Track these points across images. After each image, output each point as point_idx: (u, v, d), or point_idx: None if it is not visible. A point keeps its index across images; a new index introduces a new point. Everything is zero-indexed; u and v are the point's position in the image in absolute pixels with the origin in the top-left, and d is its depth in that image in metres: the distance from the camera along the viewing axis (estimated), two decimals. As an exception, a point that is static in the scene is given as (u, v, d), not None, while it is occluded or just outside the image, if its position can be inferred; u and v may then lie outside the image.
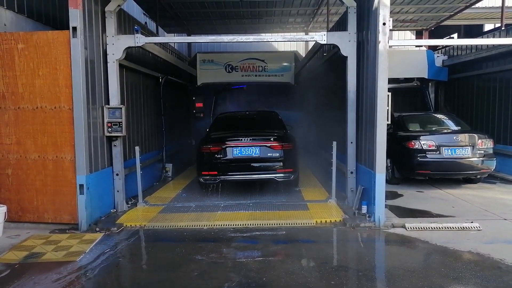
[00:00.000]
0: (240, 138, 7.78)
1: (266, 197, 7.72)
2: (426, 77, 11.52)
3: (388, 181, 7.75)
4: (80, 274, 4.52)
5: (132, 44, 6.74)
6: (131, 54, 7.43)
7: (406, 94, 12.25)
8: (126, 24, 7.76)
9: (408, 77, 11.72)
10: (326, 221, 6.24)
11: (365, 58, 6.59)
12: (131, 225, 6.23)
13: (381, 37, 5.82)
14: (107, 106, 6.68)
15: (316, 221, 6.22)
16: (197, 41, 13.96)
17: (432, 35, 15.30)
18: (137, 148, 7.18)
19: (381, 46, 5.83)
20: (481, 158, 8.27)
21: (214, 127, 8.91)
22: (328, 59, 9.12)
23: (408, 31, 16.19)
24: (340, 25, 8.06)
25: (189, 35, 15.11)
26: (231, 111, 10.90)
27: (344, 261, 5.13)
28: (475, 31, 17.60)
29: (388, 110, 5.95)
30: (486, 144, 8.35)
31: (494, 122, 9.91)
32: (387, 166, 7.37)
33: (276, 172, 7.68)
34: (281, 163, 7.69)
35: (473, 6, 12.29)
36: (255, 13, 12.78)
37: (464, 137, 8.37)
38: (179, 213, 6.83)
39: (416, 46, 14.33)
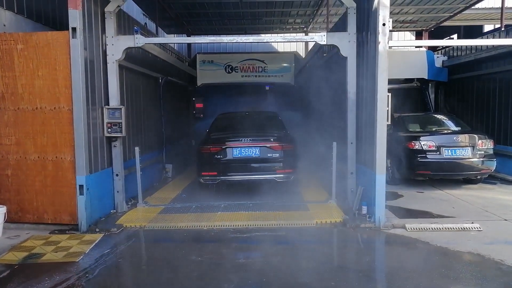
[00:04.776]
0: (240, 139, 7.78)
1: (266, 197, 7.71)
2: (426, 78, 11.51)
3: (388, 182, 7.73)
4: (80, 275, 4.51)
5: (131, 44, 6.73)
6: (130, 54, 7.42)
7: (406, 94, 12.24)
8: (126, 24, 7.75)
9: (408, 77, 11.72)
10: (326, 221, 6.23)
11: (365, 58, 6.58)
12: (131, 226, 6.21)
13: (380, 38, 5.81)
14: (106, 106, 6.67)
15: (316, 222, 6.21)
16: (196, 41, 13.92)
17: (432, 36, 15.29)
18: (137, 149, 7.17)
19: (381, 47, 5.83)
20: (481, 159, 8.26)
21: (214, 127, 8.90)
22: (328, 60, 9.11)
23: (408, 32, 16.17)
24: (340, 26, 8.06)
25: (189, 35, 15.11)
26: (231, 112, 10.89)
27: (344, 261, 5.12)
28: (475, 31, 17.59)
29: (388, 110, 5.95)
30: (486, 144, 8.34)
31: (494, 122, 9.91)
32: (387, 167, 7.35)
33: (276, 173, 7.67)
34: (281, 163, 7.69)
35: (473, 7, 12.28)
36: (254, 13, 12.77)
37: (464, 138, 8.37)
38: (179, 213, 6.82)
39: (416, 46, 14.32)
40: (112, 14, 6.69)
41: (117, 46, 6.72)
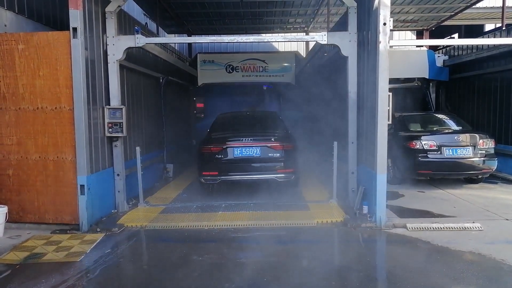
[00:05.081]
0: (241, 138, 7.78)
1: (267, 197, 7.71)
2: (427, 77, 11.50)
3: (389, 181, 7.73)
4: (81, 274, 4.52)
5: (132, 44, 6.73)
6: (131, 54, 7.43)
7: (407, 94, 12.23)
8: (127, 24, 7.76)
9: (409, 77, 11.71)
10: (327, 221, 6.23)
11: (365, 58, 6.58)
12: (132, 226, 6.22)
13: (381, 37, 5.81)
14: (107, 106, 6.68)
15: (317, 222, 6.21)
16: (197, 41, 13.95)
17: (432, 35, 15.28)
18: (138, 149, 7.18)
19: (381, 46, 5.82)
20: (482, 158, 8.25)
21: (215, 127, 8.90)
22: (328, 59, 9.11)
23: (408, 31, 16.17)
24: (341, 25, 8.05)
25: (189, 35, 15.12)
26: (232, 111, 10.90)
27: (345, 261, 5.12)
28: (475, 31, 17.57)
29: (389, 110, 5.94)
30: (487, 144, 8.33)
31: (495, 122, 9.90)
32: (388, 166, 7.35)
33: (276, 173, 7.67)
34: (282, 163, 7.68)
35: (473, 6, 12.27)
36: (255, 13, 12.77)
37: (465, 137, 8.35)
38: (180, 213, 6.83)
39: (417, 46, 14.30)
40: (113, 14, 6.69)
41: (118, 46, 6.72)
